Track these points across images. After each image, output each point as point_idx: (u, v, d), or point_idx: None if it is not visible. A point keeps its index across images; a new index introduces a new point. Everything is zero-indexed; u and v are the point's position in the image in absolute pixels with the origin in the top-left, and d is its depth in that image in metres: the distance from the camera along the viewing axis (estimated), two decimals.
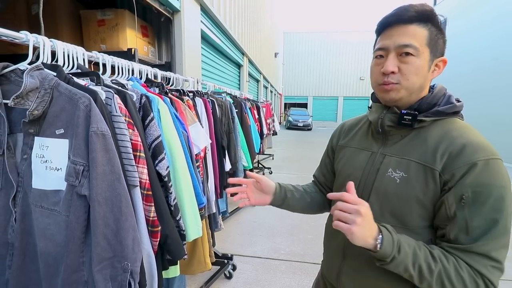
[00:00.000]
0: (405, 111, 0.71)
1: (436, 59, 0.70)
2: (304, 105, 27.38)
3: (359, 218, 0.60)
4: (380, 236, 0.62)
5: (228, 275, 2.38)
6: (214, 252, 2.39)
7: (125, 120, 0.94)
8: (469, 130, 0.68)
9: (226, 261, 2.40)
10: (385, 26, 0.71)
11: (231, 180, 0.90)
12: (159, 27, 2.83)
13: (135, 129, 0.98)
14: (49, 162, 0.84)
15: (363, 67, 25.41)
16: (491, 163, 0.61)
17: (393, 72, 0.68)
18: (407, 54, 0.67)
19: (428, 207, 0.66)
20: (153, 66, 1.96)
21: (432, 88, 0.75)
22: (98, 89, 0.89)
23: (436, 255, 0.62)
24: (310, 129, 17.64)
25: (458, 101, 0.72)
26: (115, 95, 0.94)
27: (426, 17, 0.67)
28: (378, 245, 0.61)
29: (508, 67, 7.63)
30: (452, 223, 0.62)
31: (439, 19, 0.69)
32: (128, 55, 2.01)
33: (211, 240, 1.86)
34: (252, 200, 0.90)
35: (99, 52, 1.24)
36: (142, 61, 2.43)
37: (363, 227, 0.60)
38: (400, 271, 0.63)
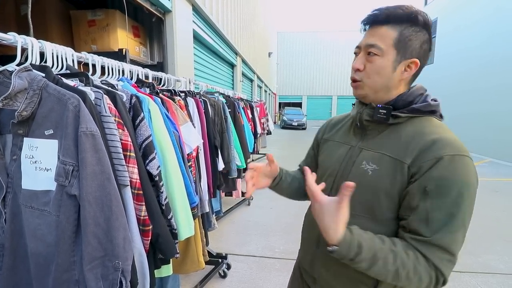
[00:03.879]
0: (380, 105, 0.74)
1: (405, 60, 0.71)
2: (299, 105, 27.48)
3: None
4: (331, 249, 0.63)
5: (222, 274, 2.39)
6: (209, 251, 2.40)
7: (115, 120, 0.95)
8: (443, 128, 0.70)
9: (220, 260, 2.41)
10: (364, 25, 0.76)
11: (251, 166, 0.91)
12: (151, 27, 2.83)
13: (125, 129, 0.98)
14: (39, 163, 0.85)
15: None
16: (456, 159, 0.63)
17: (359, 70, 0.74)
18: (372, 53, 0.72)
19: (395, 199, 0.69)
20: (145, 66, 1.96)
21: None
22: (87, 89, 0.90)
23: (398, 255, 0.63)
24: (304, 128, 17.70)
25: (435, 101, 0.74)
26: (105, 96, 0.94)
27: (398, 19, 0.70)
28: (330, 249, 0.63)
29: (498, 66, 7.77)
30: (414, 213, 0.65)
31: (420, 20, 0.70)
32: (119, 55, 2.01)
33: (205, 239, 1.87)
34: (257, 185, 0.91)
35: (90, 52, 1.24)
36: (134, 62, 2.42)
37: (318, 217, 0.66)
38: (355, 267, 0.65)
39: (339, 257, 0.64)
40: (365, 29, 0.77)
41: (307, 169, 0.73)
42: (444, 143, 0.65)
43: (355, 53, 0.78)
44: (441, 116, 0.76)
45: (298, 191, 1.01)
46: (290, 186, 1.00)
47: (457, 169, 0.63)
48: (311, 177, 0.71)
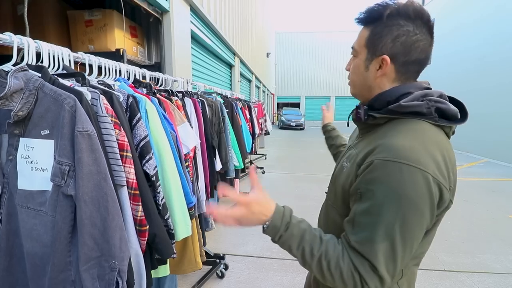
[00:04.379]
0: (358, 106, 0.76)
1: (377, 58, 0.69)
2: (297, 105, 27.53)
3: (237, 220, 0.65)
4: (267, 223, 0.65)
5: (220, 274, 2.39)
6: (206, 252, 2.39)
7: (112, 120, 0.95)
8: (408, 133, 0.63)
9: (218, 260, 2.41)
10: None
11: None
12: (148, 27, 2.82)
13: (122, 129, 0.98)
14: (35, 163, 0.85)
15: None
16: (388, 165, 0.58)
17: (348, 70, 0.79)
18: (352, 55, 0.77)
19: (347, 197, 0.70)
20: (143, 66, 1.95)
21: None
22: (83, 89, 0.90)
23: (324, 243, 0.64)
24: (302, 129, 17.72)
25: (439, 101, 0.66)
26: (101, 96, 0.94)
27: (373, 18, 0.69)
28: (265, 227, 0.66)
29: (496, 67, 7.81)
30: (349, 214, 0.66)
31: (387, 13, 0.66)
32: (117, 55, 2.00)
33: (202, 240, 1.86)
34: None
35: (87, 53, 1.24)
36: (131, 62, 2.42)
37: (246, 220, 0.65)
38: (286, 249, 0.66)
39: (273, 232, 0.65)
40: None
41: (221, 188, 0.70)
42: (384, 148, 0.61)
43: None
44: (451, 118, 0.67)
45: (336, 156, 1.24)
46: (331, 148, 1.30)
47: (386, 176, 0.58)
48: (230, 192, 0.68)
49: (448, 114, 0.66)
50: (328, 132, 1.33)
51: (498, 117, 7.71)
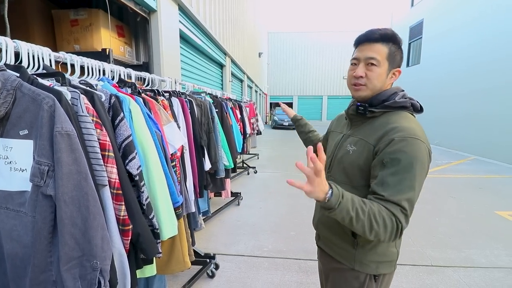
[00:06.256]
0: (359, 104, 1.00)
1: (393, 69, 0.97)
2: (290, 105, 27.60)
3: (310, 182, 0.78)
4: (330, 191, 0.79)
5: (210, 274, 2.39)
6: (197, 251, 2.39)
7: (93, 120, 0.95)
8: (406, 120, 0.92)
9: (208, 260, 2.41)
10: (359, 42, 0.99)
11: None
12: (136, 27, 2.81)
13: (103, 128, 0.98)
14: (14, 163, 0.84)
15: (346, 67, 25.78)
16: (406, 139, 0.85)
17: (361, 76, 0.97)
18: (372, 64, 0.95)
19: (365, 171, 0.94)
20: (130, 66, 1.94)
21: None
22: (63, 89, 0.89)
23: (366, 202, 0.84)
24: (295, 128, 17.78)
25: (405, 98, 0.97)
26: (82, 95, 0.94)
27: (388, 38, 0.94)
28: (327, 197, 0.78)
29: (484, 68, 7.96)
30: (376, 180, 0.88)
31: (399, 39, 0.95)
32: (103, 55, 1.99)
33: (191, 239, 1.86)
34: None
35: (73, 52, 1.23)
36: (118, 62, 2.40)
37: (313, 188, 0.77)
38: (343, 214, 0.80)
39: (335, 200, 0.78)
40: (356, 45, 1.00)
41: (318, 146, 0.82)
42: (398, 129, 0.88)
43: (353, 63, 1.00)
44: (418, 110, 0.99)
45: (306, 142, 1.54)
46: (302, 134, 1.58)
47: (406, 146, 0.84)
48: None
49: (415, 107, 0.99)
50: (298, 121, 1.64)
51: (484, 117, 7.87)
